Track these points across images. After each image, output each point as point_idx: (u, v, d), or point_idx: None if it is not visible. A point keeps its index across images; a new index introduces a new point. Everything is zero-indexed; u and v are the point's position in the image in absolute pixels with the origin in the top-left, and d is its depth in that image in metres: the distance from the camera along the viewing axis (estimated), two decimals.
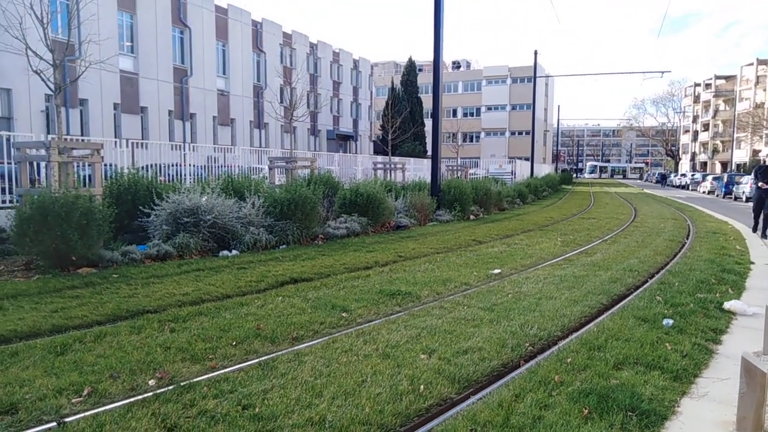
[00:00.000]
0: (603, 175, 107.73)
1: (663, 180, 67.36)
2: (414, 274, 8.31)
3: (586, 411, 3.70)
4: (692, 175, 58.47)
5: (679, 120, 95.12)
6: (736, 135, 68.35)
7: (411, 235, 13.29)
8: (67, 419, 3.44)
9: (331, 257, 9.66)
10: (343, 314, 5.96)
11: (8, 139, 11.44)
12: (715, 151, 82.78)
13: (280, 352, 4.73)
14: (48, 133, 22.72)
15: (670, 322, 5.77)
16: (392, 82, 50.41)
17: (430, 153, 22.13)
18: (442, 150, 18.43)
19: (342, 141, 51.19)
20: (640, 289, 7.53)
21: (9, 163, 11.14)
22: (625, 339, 5.21)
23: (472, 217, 18.36)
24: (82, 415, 3.51)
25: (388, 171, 22.25)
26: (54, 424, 3.38)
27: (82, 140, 16.49)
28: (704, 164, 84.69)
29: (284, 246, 10.80)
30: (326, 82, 47.53)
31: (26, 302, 6.13)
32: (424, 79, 57.67)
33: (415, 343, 5.02)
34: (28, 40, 9.34)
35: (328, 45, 48.03)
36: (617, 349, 4.92)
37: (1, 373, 4.16)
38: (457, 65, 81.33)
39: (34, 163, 10.98)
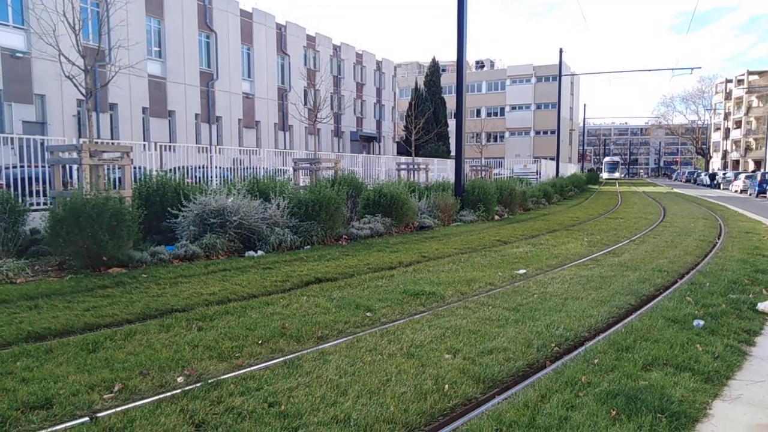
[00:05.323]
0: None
1: (712, 179, 60.78)
2: (438, 274, 8.29)
3: (614, 412, 3.65)
4: (723, 174, 56.37)
5: (710, 117, 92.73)
6: None
7: (435, 235, 13.26)
8: (99, 414, 3.53)
9: (355, 257, 9.70)
10: (368, 314, 5.98)
11: (42, 143, 11.77)
12: (747, 148, 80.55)
13: (305, 351, 4.77)
14: (79, 136, 23.35)
15: (701, 323, 5.65)
16: (416, 83, 50.30)
17: (453, 153, 22.01)
18: (465, 150, 18.34)
19: (365, 142, 51.32)
20: (670, 290, 7.37)
21: (43, 167, 11.48)
22: (654, 340, 5.11)
23: (496, 217, 18.22)
24: (113, 410, 3.60)
25: (412, 171, 22.24)
26: (87, 419, 3.48)
27: (112, 143, 16.89)
28: (736, 162, 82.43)
29: (309, 246, 10.88)
30: (350, 84, 47.73)
31: (59, 301, 6.31)
32: (448, 80, 57.47)
33: (439, 343, 5.01)
34: (61, 47, 9.60)
35: (351, 47, 48.22)
36: (646, 350, 4.83)
37: (36, 369, 4.29)
38: (480, 65, 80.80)
39: (67, 166, 11.30)
